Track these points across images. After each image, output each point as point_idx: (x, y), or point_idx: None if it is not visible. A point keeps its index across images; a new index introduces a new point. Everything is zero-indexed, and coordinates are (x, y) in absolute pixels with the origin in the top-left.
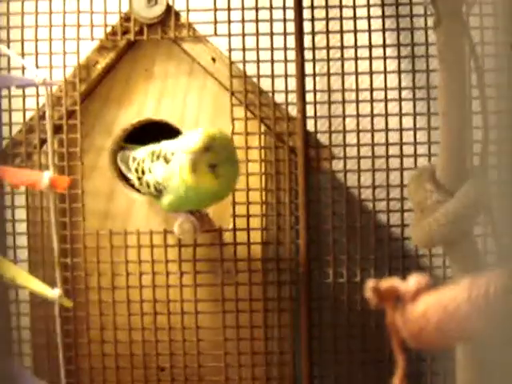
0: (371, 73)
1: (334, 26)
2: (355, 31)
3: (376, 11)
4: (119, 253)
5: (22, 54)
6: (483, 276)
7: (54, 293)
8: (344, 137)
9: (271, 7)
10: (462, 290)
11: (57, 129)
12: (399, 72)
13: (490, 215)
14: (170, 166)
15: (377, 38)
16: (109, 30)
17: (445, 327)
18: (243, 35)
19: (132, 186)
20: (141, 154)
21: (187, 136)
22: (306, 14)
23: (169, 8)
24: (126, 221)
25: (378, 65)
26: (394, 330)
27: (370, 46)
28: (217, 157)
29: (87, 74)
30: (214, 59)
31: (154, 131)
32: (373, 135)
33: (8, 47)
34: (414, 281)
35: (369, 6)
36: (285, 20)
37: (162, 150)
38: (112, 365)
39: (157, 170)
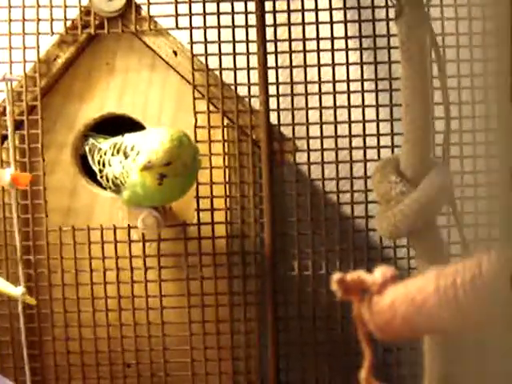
0: (333, 65)
1: (296, 18)
2: (317, 23)
3: (337, 3)
4: (83, 249)
5: None
6: (450, 267)
7: (17, 291)
8: (307, 129)
9: None
10: (429, 281)
11: (17, 125)
12: (361, 63)
13: (453, 206)
14: (127, 162)
15: (338, 30)
16: (69, 24)
17: (412, 319)
18: (205, 28)
19: (95, 181)
20: (105, 145)
21: (155, 137)
22: (268, 6)
23: (129, 1)
24: (89, 217)
25: (340, 56)
26: (360, 322)
27: (332, 38)
28: (170, 171)
29: (47, 68)
30: (175, 52)
31: (117, 125)
32: (336, 127)
33: None
34: (380, 273)
35: None
36: (246, 12)
37: (123, 144)
38: (77, 362)
39: (115, 164)
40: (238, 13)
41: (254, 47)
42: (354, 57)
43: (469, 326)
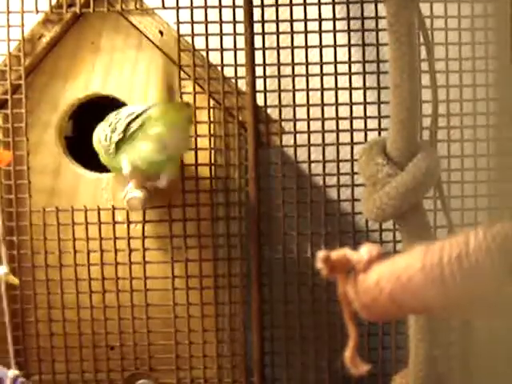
0: (321, 46)
1: None
2: (305, 4)
3: None
4: (66, 230)
5: None
6: (437, 244)
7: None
8: (294, 111)
9: None
10: (415, 259)
11: (1, 104)
12: (349, 45)
13: (439, 189)
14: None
15: (326, 12)
16: (54, 2)
17: (398, 297)
18: (191, 8)
19: (79, 161)
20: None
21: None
22: None
23: None
24: (73, 197)
25: (327, 38)
26: (345, 301)
27: (320, 20)
28: None
29: (32, 47)
30: (161, 32)
31: (102, 106)
32: (323, 109)
33: None
34: (366, 250)
35: None
36: None
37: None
38: (61, 344)
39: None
40: None
41: (241, 28)
42: (341, 39)
43: (455, 304)
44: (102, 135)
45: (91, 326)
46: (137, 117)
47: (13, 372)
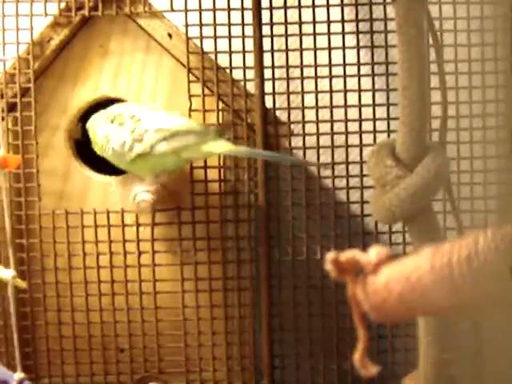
0: (330, 48)
1: (293, 1)
2: (313, 6)
3: None
4: (76, 233)
5: None
6: (446, 245)
7: (7, 274)
8: (303, 113)
9: None
10: (425, 260)
11: (11, 107)
12: (358, 47)
13: (449, 191)
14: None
15: (335, 13)
16: (63, 5)
17: (407, 298)
18: (200, 10)
19: (88, 164)
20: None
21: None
22: None
23: None
24: (83, 200)
25: (336, 40)
26: (355, 302)
27: (329, 22)
28: None
29: (41, 50)
30: (170, 35)
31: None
32: (332, 112)
33: None
34: (375, 252)
35: None
36: None
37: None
38: (70, 347)
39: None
40: None
41: (249, 30)
42: (350, 41)
43: (464, 305)
44: (117, 139)
45: (101, 329)
46: (171, 136)
47: (18, 375)
